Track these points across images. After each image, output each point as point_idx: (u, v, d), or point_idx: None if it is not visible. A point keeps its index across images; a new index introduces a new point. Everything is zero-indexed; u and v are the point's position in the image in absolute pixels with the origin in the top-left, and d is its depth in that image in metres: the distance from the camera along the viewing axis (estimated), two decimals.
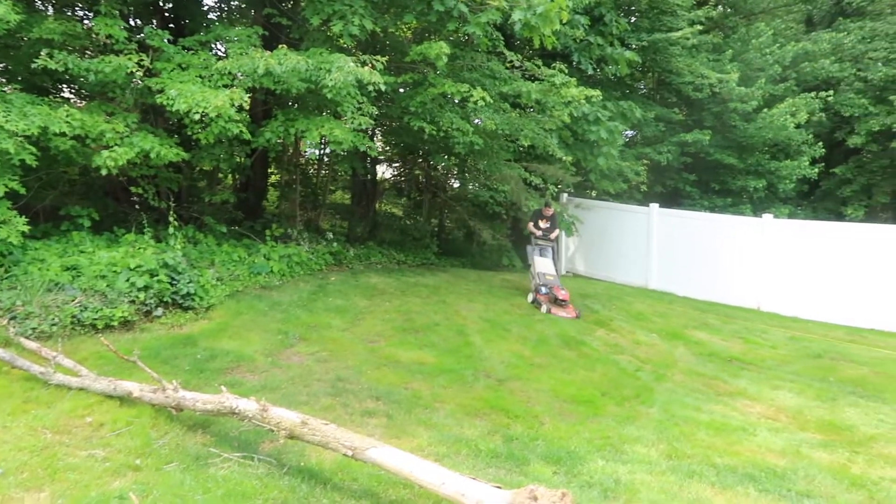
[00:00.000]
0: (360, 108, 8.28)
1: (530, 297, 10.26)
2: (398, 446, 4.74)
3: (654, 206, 14.02)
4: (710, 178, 16.18)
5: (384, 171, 16.35)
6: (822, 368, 8.61)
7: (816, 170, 16.21)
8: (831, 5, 19.34)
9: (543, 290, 10.08)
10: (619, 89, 15.14)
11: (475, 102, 8.92)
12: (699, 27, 14.72)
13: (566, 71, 10.48)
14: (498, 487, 4.11)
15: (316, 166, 14.50)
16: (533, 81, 10.44)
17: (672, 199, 15.90)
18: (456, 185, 15.53)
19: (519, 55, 10.76)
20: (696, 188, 16.10)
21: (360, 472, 4.69)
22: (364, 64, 7.72)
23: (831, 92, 16.47)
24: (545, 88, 10.22)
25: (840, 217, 16.93)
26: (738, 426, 6.40)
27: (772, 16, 18.86)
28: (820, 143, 16.38)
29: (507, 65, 10.65)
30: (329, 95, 7.65)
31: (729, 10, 18.34)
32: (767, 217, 12.69)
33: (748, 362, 8.83)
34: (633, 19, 14.78)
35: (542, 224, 11.24)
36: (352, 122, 8.19)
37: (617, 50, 13.20)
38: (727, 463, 5.44)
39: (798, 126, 15.77)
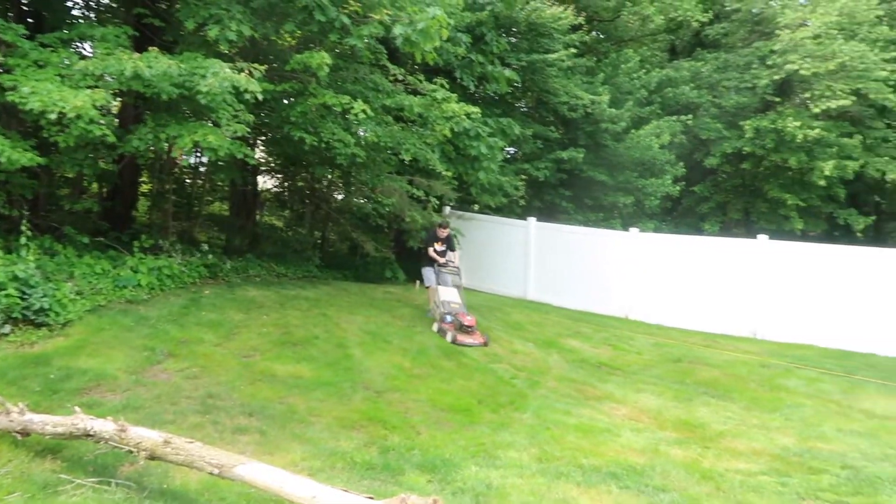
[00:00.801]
0: (236, 116, 8.05)
1: (435, 327, 9.70)
2: (271, 462, 4.62)
3: (532, 219, 14.57)
4: (584, 193, 17.00)
5: (265, 182, 15.95)
6: (680, 372, 9.26)
7: (678, 188, 17.42)
8: (691, 36, 20.96)
9: (448, 318, 9.59)
10: (500, 107, 15.62)
11: (356, 114, 8.91)
12: (574, 50, 15.50)
13: (447, 86, 10.70)
14: (370, 498, 4.11)
15: (192, 175, 13.91)
16: (415, 95, 10.59)
17: (549, 213, 16.55)
18: (340, 197, 15.41)
19: (402, 69, 10.88)
20: (572, 203, 16.86)
21: (229, 490, 4.53)
22: (241, 71, 7.52)
23: (691, 116, 17.81)
24: (427, 103, 10.39)
25: (699, 232, 18.27)
26: (604, 428, 6.76)
27: (639, 43, 20.19)
28: (681, 163, 17.63)
29: (391, 78, 10.74)
30: (203, 101, 7.39)
31: (601, 35, 19.46)
32: (634, 231, 13.54)
33: (616, 368, 9.34)
34: (514, 40, 15.34)
35: (437, 247, 10.74)
36: (228, 130, 7.94)
37: (497, 68, 13.65)
38: (592, 463, 5.72)
39: (662, 147, 16.90)
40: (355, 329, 9.08)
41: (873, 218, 18.39)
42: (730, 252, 12.54)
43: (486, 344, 9.35)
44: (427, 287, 10.74)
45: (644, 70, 18.12)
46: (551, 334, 10.80)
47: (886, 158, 17.09)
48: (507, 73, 13.45)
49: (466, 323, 9.49)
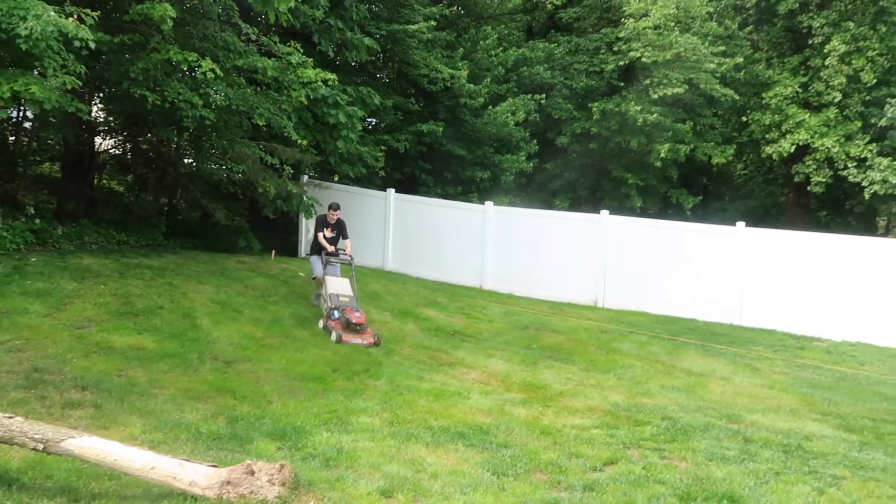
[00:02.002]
0: (65, 66, 7.34)
1: (321, 324, 8.77)
2: (106, 437, 4.36)
3: (391, 191, 14.63)
4: (443, 167, 17.29)
5: (104, 143, 14.71)
6: (528, 338, 9.78)
7: (531, 165, 18.20)
8: (546, 18, 21.79)
9: (336, 314, 8.58)
10: (360, 75, 15.44)
11: (205, 73, 8.44)
12: (433, 23, 15.59)
13: (301, 51, 10.38)
14: (213, 466, 4.01)
15: (15, 131, 12.53)
16: (270, 58, 10.19)
17: (409, 185, 16.70)
18: (189, 161, 14.56)
19: (255, 29, 10.41)
20: (431, 176, 17.11)
21: (58, 467, 4.22)
22: (70, 15, 6.85)
23: (544, 95, 18.58)
24: (282, 66, 10.04)
25: (552, 207, 19.25)
26: (455, 392, 7.00)
27: (498, 21, 20.68)
28: (535, 141, 18.42)
29: (243, 38, 10.25)
30: (24, 47, 6.66)
31: (461, 11, 19.72)
32: (489, 205, 14.00)
33: (469, 335, 9.69)
34: (375, 8, 15.15)
35: (327, 233, 9.60)
36: (55, 81, 7.22)
37: (357, 35, 13.43)
38: (442, 424, 5.92)
39: (517, 124, 17.54)
40: (204, 299, 8.70)
41: (700, 197, 20.28)
42: (575, 226, 13.34)
43: (376, 343, 8.40)
44: (314, 278, 9.75)
45: (502, 48, 18.61)
46: (408, 304, 10.96)
47: (712, 144, 18.90)
48: (368, 41, 13.28)
49: (355, 320, 8.48)
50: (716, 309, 11.87)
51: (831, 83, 17.74)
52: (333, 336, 8.38)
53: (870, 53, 17.46)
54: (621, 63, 18.32)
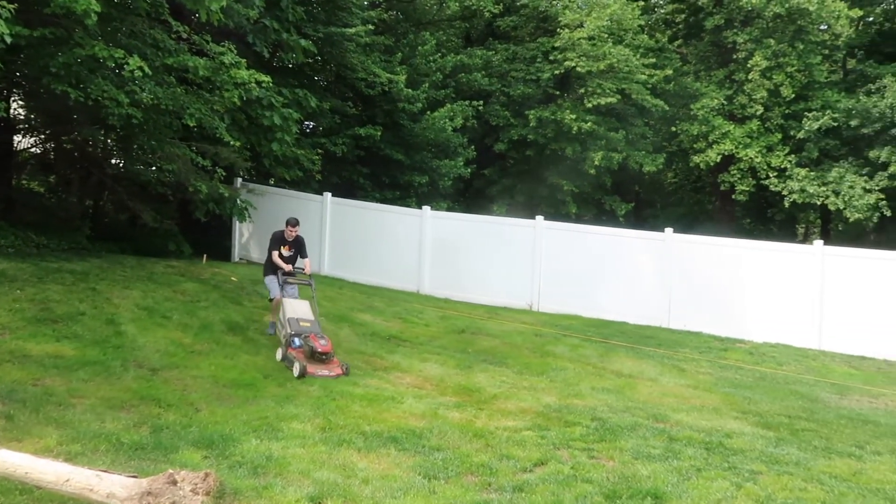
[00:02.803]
0: None
1: (279, 354, 7.81)
2: (19, 449, 4.16)
3: (328, 195, 14.49)
4: (381, 171, 17.23)
5: (22, 141, 14.03)
6: (463, 342, 9.84)
7: (469, 170, 18.34)
8: (485, 26, 22.03)
9: (297, 341, 7.66)
10: (297, 78, 15.25)
11: (132, 71, 8.17)
12: (371, 27, 15.56)
13: (234, 51, 10.18)
14: (133, 477, 3.88)
15: None
16: (202, 57, 9.95)
17: (347, 189, 16.56)
18: (116, 162, 14.05)
19: (186, 27, 10.15)
20: (369, 180, 17.02)
21: None
22: None
23: (482, 102, 18.76)
24: (215, 66, 9.82)
25: (489, 212, 19.44)
26: (389, 396, 6.98)
27: (437, 27, 20.79)
28: (473, 147, 18.58)
29: (173, 36, 9.98)
30: None
31: (400, 15, 19.73)
32: (427, 209, 14.04)
33: (404, 339, 9.67)
34: (312, 10, 14.99)
35: (284, 251, 8.69)
36: None
37: (293, 37, 13.26)
38: (375, 429, 5.89)
39: (455, 130, 17.65)
40: (129, 305, 8.41)
41: (633, 204, 20.87)
42: (511, 231, 13.52)
43: (345, 374, 7.53)
44: (271, 300, 8.75)
45: (440, 54, 18.72)
46: (344, 309, 10.86)
47: (644, 153, 19.48)
48: (304, 43, 13.13)
49: (320, 349, 7.50)
50: (646, 312, 12.22)
51: (754, 96, 18.56)
52: (296, 369, 7.33)
53: (789, 69, 18.36)
54: (557, 72, 18.68)
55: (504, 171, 20.60)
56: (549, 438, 5.93)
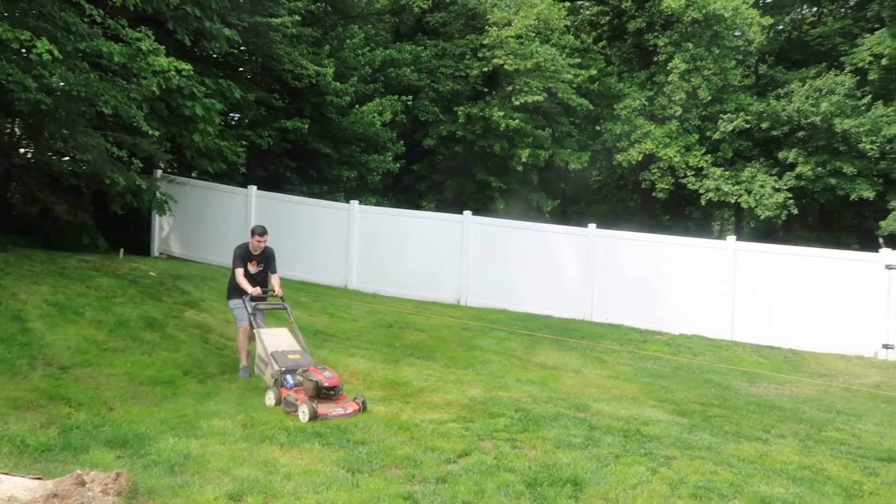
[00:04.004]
0: None
1: (270, 399, 6.43)
2: None
3: (253, 188, 14.16)
4: (309, 165, 16.96)
5: None
6: (391, 336, 9.82)
7: (398, 165, 18.28)
8: (414, 21, 21.97)
9: (290, 379, 6.43)
10: (221, 68, 14.82)
11: (40, 55, 7.74)
12: (298, 18, 15.27)
13: (153, 37, 9.78)
14: (38, 479, 3.70)
15: None
16: (117, 43, 9.52)
17: (273, 183, 16.22)
18: (26, 151, 13.27)
19: (100, 11, 9.68)
20: (296, 174, 16.73)
21: None
22: None
23: (411, 97, 18.72)
24: (132, 53, 9.42)
25: (418, 208, 19.45)
26: None
27: (366, 21, 20.58)
28: (402, 142, 18.52)
29: (86, 20, 9.50)
30: None
31: (329, 8, 19.44)
32: (355, 204, 13.93)
33: (331, 334, 9.57)
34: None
35: (251, 268, 7.49)
36: None
37: (216, 25, 12.85)
38: (299, 425, 5.82)
39: (384, 124, 17.55)
40: (38, 301, 7.98)
41: (559, 201, 21.31)
42: (440, 227, 13.58)
43: (363, 408, 6.33)
44: (240, 325, 7.43)
45: (369, 48, 18.57)
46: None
47: (569, 150, 19.91)
48: (228, 32, 12.75)
49: (327, 383, 6.26)
50: (570, 306, 12.53)
51: (673, 98, 19.27)
52: (303, 412, 6.00)
53: (705, 73, 19.15)
54: (485, 69, 18.85)
55: (433, 167, 20.65)
56: (474, 430, 6.01)
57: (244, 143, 14.99)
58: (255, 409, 6.15)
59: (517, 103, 18.27)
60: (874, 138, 17.66)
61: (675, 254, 12.39)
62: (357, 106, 17.10)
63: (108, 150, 10.43)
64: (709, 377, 9.13)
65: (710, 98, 19.14)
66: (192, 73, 10.26)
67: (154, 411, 5.85)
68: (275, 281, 7.67)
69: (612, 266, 12.53)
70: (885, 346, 11.16)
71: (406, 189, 20.65)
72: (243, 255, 7.53)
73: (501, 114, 18.13)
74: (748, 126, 19.05)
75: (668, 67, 19.39)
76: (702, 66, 19.14)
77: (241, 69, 16.54)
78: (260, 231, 7.61)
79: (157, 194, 12.09)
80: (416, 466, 5.03)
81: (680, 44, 19.49)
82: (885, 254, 11.56)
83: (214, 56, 15.11)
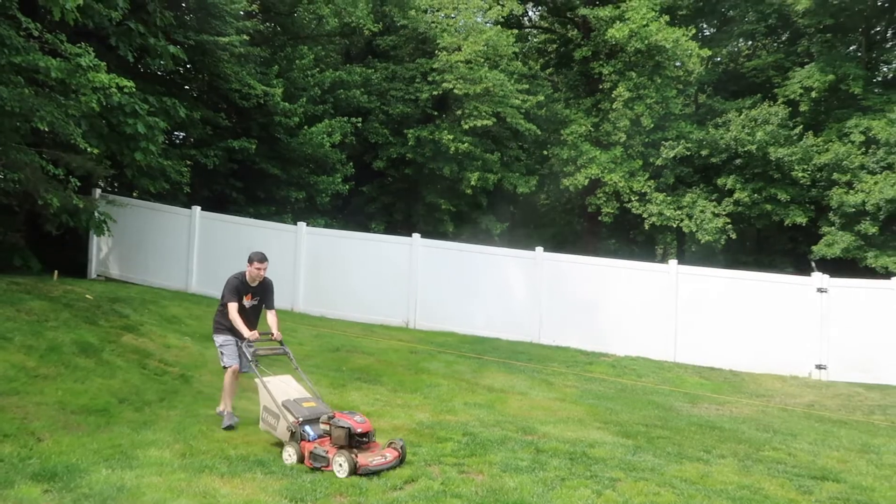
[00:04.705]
0: None
1: (290, 456, 5.52)
2: None
3: (197, 208, 13.85)
4: (256, 186, 16.72)
5: None
6: (338, 360, 9.68)
7: (348, 187, 18.20)
8: (364, 44, 22.06)
9: (311, 432, 5.56)
10: (166, 86, 14.52)
11: None
12: (246, 37, 15.13)
13: (93, 52, 9.52)
14: None
15: None
16: (56, 58, 9.24)
17: (219, 204, 15.91)
18: None
19: (37, 25, 9.39)
20: (243, 195, 16.46)
21: None
22: None
23: (361, 119, 18.73)
24: (70, 68, 9.14)
25: (367, 230, 19.35)
26: (256, 419, 6.70)
27: (315, 42, 20.55)
28: (351, 164, 18.46)
29: (22, 33, 9.19)
30: None
31: (278, 28, 19.35)
32: (302, 226, 13.77)
33: (276, 359, 9.35)
34: (184, 16, 14.38)
35: (246, 301, 6.63)
36: None
37: (161, 42, 12.63)
38: (240, 453, 5.65)
39: (333, 146, 17.47)
40: None
41: (507, 224, 21.54)
42: (388, 249, 13.53)
43: (403, 456, 5.59)
44: (225, 368, 6.57)
45: (319, 69, 18.52)
46: (210, 328, 10.31)
47: (518, 174, 20.21)
48: (173, 49, 12.54)
49: (360, 429, 5.48)
50: (518, 329, 12.61)
51: (618, 125, 19.82)
52: (342, 466, 5.21)
53: (648, 101, 19.79)
54: (435, 93, 19.02)
55: (383, 189, 20.63)
56: (421, 455, 5.94)
57: (189, 162, 14.68)
58: (195, 437, 5.94)
59: (466, 127, 18.47)
60: (805, 167, 18.53)
61: (619, 277, 12.65)
62: (306, 127, 16.99)
63: (44, 167, 10.05)
64: (652, 398, 9.29)
65: (652, 125, 19.76)
66: (134, 90, 10.03)
67: (86, 441, 5.59)
68: (272, 320, 6.72)
69: (558, 289, 12.70)
70: (818, 367, 11.60)
71: (355, 211, 20.54)
72: (239, 288, 6.57)
73: (451, 137, 18.29)
74: (689, 153, 19.73)
75: (613, 95, 19.95)
76: (645, 95, 19.77)
77: (186, 87, 16.24)
78: (259, 258, 6.67)
79: (95, 214, 11.69)
80: (362, 494, 4.94)
81: (624, 72, 20.11)
82: (817, 277, 12.07)
83: (159, 73, 14.81)
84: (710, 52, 20.91)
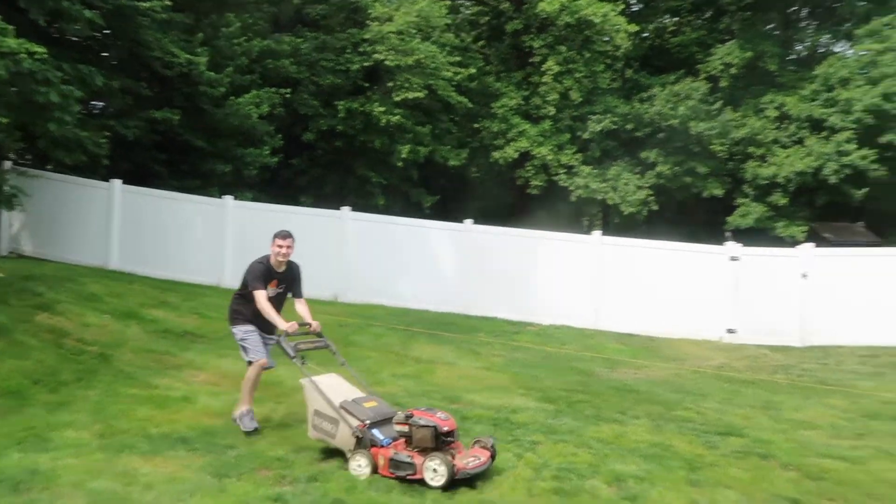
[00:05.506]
0: None
1: (361, 467, 4.91)
2: None
3: (117, 182, 13.37)
4: (180, 158, 16.19)
5: None
6: None
7: (276, 160, 17.85)
8: (294, 13, 21.47)
9: (380, 435, 4.99)
10: (83, 52, 13.81)
11: None
12: (169, 3, 14.51)
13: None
14: None
15: None
16: None
17: (141, 177, 15.33)
18: None
19: None
20: (166, 168, 15.92)
21: None
22: None
23: (290, 90, 18.33)
24: None
25: (297, 203, 19.07)
26: (181, 396, 6.67)
27: (242, 9, 19.88)
28: (280, 136, 18.09)
29: None
30: None
31: None
32: (229, 199, 13.49)
33: (201, 335, 9.25)
34: None
35: (270, 289, 5.85)
36: None
37: (76, 6, 11.99)
38: (163, 431, 5.62)
39: (261, 117, 17.07)
40: None
41: (438, 197, 21.64)
42: (317, 221, 13.46)
43: (494, 454, 5.08)
44: (250, 363, 5.94)
45: (246, 38, 17.98)
46: (133, 305, 10.11)
47: (449, 147, 20.29)
48: (89, 14, 11.92)
49: (446, 427, 4.88)
50: (447, 300, 12.81)
51: (547, 99, 20.08)
52: (438, 472, 4.62)
53: (577, 75, 20.11)
54: (366, 64, 18.78)
55: (313, 162, 20.33)
56: None
57: (108, 133, 14.08)
58: (115, 417, 5.86)
59: (398, 99, 18.35)
60: (723, 141, 19.30)
61: (545, 248, 12.98)
62: (233, 97, 16.51)
63: None
64: (574, 365, 9.67)
65: (581, 99, 20.11)
66: (47, 56, 9.52)
67: None
68: (304, 310, 6.04)
69: (487, 260, 12.94)
70: (729, 331, 12.29)
71: (284, 184, 20.19)
72: (263, 274, 5.76)
73: (382, 109, 18.15)
74: (615, 127, 20.22)
75: (543, 69, 20.17)
76: (574, 69, 20.06)
77: (104, 54, 15.49)
78: (282, 235, 5.87)
79: (5, 187, 11.14)
80: (288, 467, 5.01)
81: (554, 47, 20.33)
82: (730, 246, 12.72)
83: (74, 39, 14.07)
84: (637, 28, 21.30)
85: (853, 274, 12.27)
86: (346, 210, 13.44)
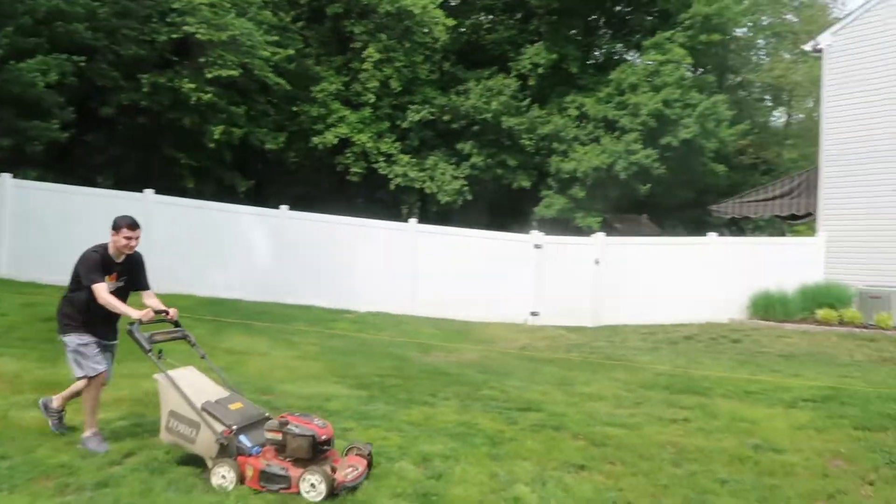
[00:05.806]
0: None
1: (225, 477, 4.39)
2: None
3: None
4: None
5: None
6: (51, 331, 8.59)
7: (67, 135, 16.10)
8: None
9: (249, 443, 4.52)
10: None
11: None
12: None
13: None
14: None
15: None
16: None
17: None
18: None
19: None
20: None
21: None
22: None
23: (85, 58, 16.57)
24: None
25: (94, 184, 17.38)
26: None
27: None
28: (72, 108, 16.33)
29: None
30: None
31: None
32: (7, 178, 12.06)
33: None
34: None
35: (110, 282, 5.15)
36: None
37: None
38: None
39: (49, 86, 15.28)
40: None
41: (254, 181, 20.88)
42: (116, 204, 11.94)
43: (371, 463, 4.74)
44: (88, 378, 5.18)
45: None
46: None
47: (266, 130, 19.62)
48: None
49: (324, 435, 4.46)
50: (262, 289, 12.44)
51: (367, 86, 20.12)
52: (316, 487, 4.18)
53: (397, 64, 20.36)
54: (175, 36, 17.49)
55: (112, 139, 18.63)
56: (146, 426, 5.68)
57: None
58: None
59: (210, 76, 17.35)
60: (531, 136, 20.63)
61: (363, 235, 13.07)
62: (13, 62, 14.60)
63: None
64: (389, 350, 9.86)
65: (400, 89, 20.40)
66: None
67: None
68: (153, 300, 5.44)
69: (304, 248, 12.74)
70: (532, 314, 13.23)
71: (78, 162, 18.33)
72: (99, 264, 5.06)
73: (193, 86, 17.08)
74: (433, 118, 20.80)
75: (364, 55, 20.16)
76: (394, 58, 20.28)
77: None
78: (130, 223, 5.17)
79: None
80: (73, 474, 4.59)
81: (375, 34, 20.39)
82: (535, 235, 13.66)
83: None
84: (455, 22, 22.01)
85: (637, 260, 13.76)
86: (149, 192, 12.50)
